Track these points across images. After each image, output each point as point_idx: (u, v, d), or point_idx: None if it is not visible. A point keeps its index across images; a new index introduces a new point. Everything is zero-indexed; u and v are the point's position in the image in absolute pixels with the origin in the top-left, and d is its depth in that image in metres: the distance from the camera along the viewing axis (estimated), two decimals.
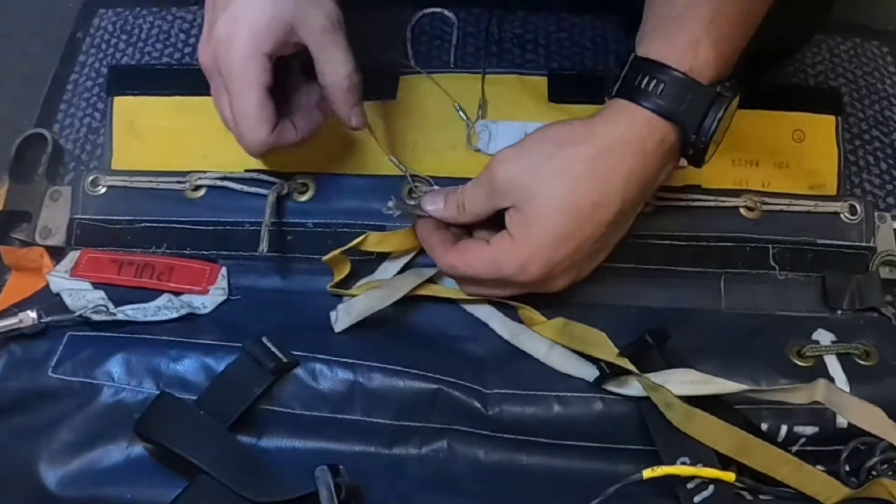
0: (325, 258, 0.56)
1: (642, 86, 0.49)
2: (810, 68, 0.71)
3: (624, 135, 0.50)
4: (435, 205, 0.55)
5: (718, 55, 0.49)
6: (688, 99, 0.49)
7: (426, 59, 0.70)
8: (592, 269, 0.55)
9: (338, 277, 0.58)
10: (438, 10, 0.72)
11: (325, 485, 0.46)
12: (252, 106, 0.52)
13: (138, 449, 0.50)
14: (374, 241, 0.57)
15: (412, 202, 0.58)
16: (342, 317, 0.55)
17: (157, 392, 0.51)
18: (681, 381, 0.50)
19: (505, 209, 0.52)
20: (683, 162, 0.61)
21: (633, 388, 0.52)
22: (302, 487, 0.46)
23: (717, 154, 0.63)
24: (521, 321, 0.57)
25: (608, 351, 0.52)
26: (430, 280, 0.57)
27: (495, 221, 0.53)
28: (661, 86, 0.49)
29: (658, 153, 0.50)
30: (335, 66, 0.54)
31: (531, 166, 0.50)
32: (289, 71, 0.56)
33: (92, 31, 0.72)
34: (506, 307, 0.57)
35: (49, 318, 0.54)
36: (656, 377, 0.50)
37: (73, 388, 0.52)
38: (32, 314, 0.53)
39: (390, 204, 0.56)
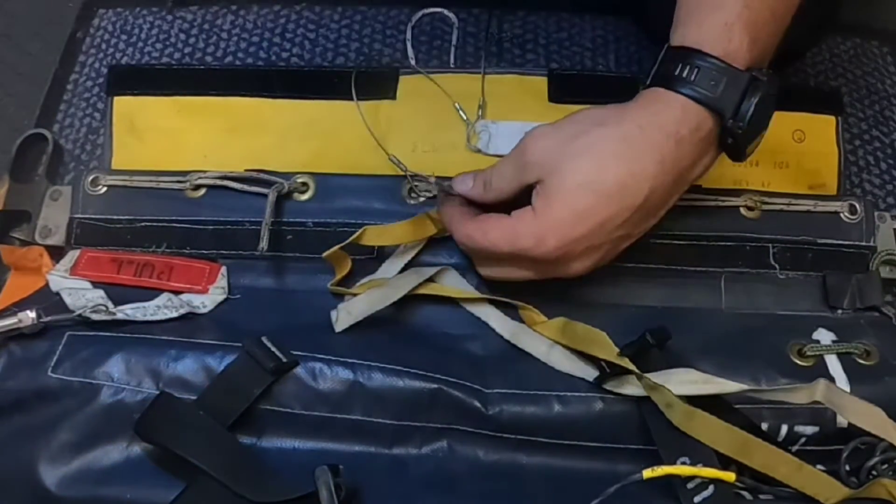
0: (325, 254, 0.56)
1: (676, 72, 0.49)
2: (810, 68, 0.71)
3: (658, 118, 0.49)
4: (465, 185, 0.55)
5: (753, 42, 0.49)
6: (723, 83, 0.48)
7: (426, 58, 0.70)
8: (615, 255, 0.53)
9: (339, 275, 0.58)
10: (438, 10, 0.72)
11: (325, 484, 0.45)
12: None
13: (138, 449, 0.50)
14: (373, 235, 0.57)
15: (420, 198, 0.59)
16: (343, 316, 0.55)
17: (157, 392, 0.51)
18: (681, 381, 0.50)
19: (531, 185, 0.51)
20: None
21: (634, 387, 0.52)
22: (302, 487, 0.46)
23: None
24: (521, 321, 0.57)
25: (609, 350, 0.52)
26: (431, 279, 0.57)
27: (518, 206, 0.52)
28: (696, 71, 0.48)
29: (693, 140, 0.49)
30: None
31: (562, 142, 0.50)
32: None
33: (92, 31, 0.72)
34: (506, 307, 0.57)
35: (48, 318, 0.54)
36: (657, 377, 0.50)
37: (72, 387, 0.51)
38: (31, 314, 0.53)
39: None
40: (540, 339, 0.55)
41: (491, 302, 0.57)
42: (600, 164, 0.49)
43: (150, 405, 0.49)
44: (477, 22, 0.72)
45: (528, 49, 0.71)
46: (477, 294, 0.57)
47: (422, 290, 0.57)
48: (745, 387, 0.50)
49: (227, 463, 0.48)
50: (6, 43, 0.74)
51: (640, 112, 0.50)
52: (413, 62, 0.69)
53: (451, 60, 0.70)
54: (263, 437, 0.52)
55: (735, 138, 0.50)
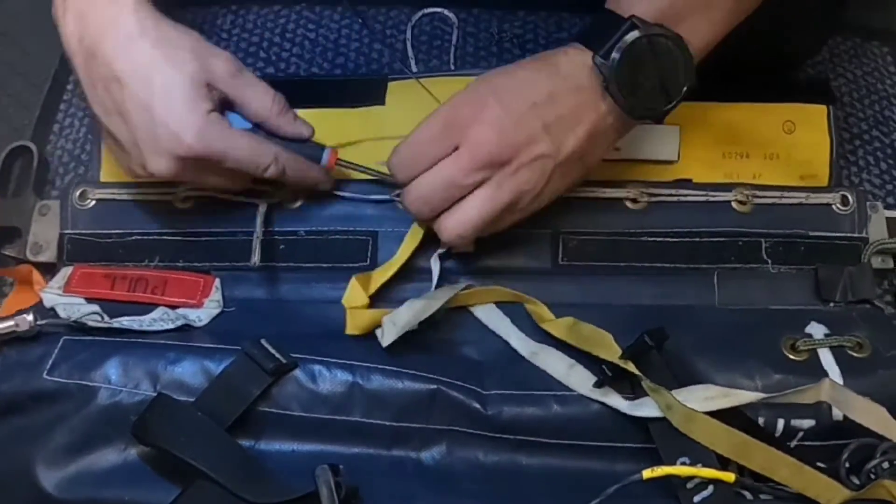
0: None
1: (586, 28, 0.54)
2: (810, 68, 0.71)
3: (550, 52, 0.54)
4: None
5: (653, 3, 0.51)
6: (601, 24, 0.52)
7: (426, 58, 0.70)
8: (565, 182, 0.55)
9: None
10: (438, 10, 0.72)
11: (325, 483, 0.45)
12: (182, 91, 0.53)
13: (136, 451, 0.50)
14: (380, 274, 0.58)
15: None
16: (388, 328, 0.54)
17: (154, 394, 0.51)
18: (702, 398, 0.50)
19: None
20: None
21: (649, 409, 0.51)
22: (301, 489, 0.46)
23: (707, 147, 0.62)
24: (540, 341, 0.56)
25: (613, 352, 0.52)
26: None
27: None
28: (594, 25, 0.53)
29: (571, 65, 0.53)
30: (258, 100, 0.56)
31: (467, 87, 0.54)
32: None
33: None
34: (512, 309, 0.57)
35: (45, 321, 0.53)
36: (678, 394, 0.50)
37: (68, 390, 0.51)
38: (29, 317, 0.53)
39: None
40: (559, 358, 0.54)
41: (501, 307, 0.57)
42: (498, 73, 0.54)
43: (147, 407, 0.49)
44: (477, 22, 0.72)
45: (528, 49, 0.71)
46: (497, 290, 0.57)
47: (456, 302, 0.57)
48: (762, 395, 0.50)
49: (226, 464, 0.47)
50: (6, 43, 0.74)
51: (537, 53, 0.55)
52: (413, 62, 0.69)
53: (451, 60, 0.70)
54: (262, 438, 0.52)
55: (607, 80, 0.51)
